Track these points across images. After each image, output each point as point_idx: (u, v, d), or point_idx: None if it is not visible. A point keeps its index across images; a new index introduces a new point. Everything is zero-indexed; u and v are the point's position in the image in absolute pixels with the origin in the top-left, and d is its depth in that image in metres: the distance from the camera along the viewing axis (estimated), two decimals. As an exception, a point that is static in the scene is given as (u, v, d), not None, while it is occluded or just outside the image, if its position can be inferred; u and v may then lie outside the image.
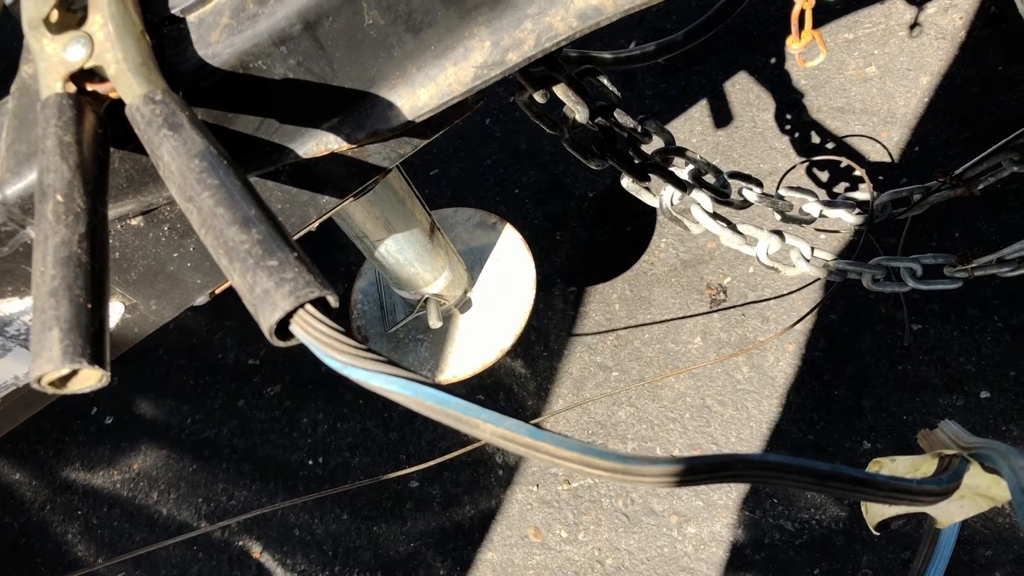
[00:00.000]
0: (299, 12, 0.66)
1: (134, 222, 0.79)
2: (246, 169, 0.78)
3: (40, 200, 0.54)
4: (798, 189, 1.63)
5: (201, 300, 0.92)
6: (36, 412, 1.03)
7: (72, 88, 0.60)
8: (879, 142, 2.18)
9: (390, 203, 1.39)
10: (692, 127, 2.39)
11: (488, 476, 2.05)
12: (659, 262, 2.21)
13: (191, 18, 0.68)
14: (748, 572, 1.80)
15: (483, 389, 2.16)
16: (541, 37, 0.71)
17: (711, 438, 1.95)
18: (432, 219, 1.56)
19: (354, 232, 1.45)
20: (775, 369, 1.99)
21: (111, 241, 0.80)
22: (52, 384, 0.49)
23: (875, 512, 0.70)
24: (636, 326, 2.14)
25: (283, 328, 0.48)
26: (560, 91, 1.05)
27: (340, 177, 0.86)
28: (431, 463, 1.64)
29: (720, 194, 1.48)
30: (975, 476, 0.59)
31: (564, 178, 2.41)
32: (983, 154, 1.59)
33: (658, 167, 1.36)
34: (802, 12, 0.90)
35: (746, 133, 2.32)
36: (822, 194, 2.12)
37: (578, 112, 1.10)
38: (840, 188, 2.14)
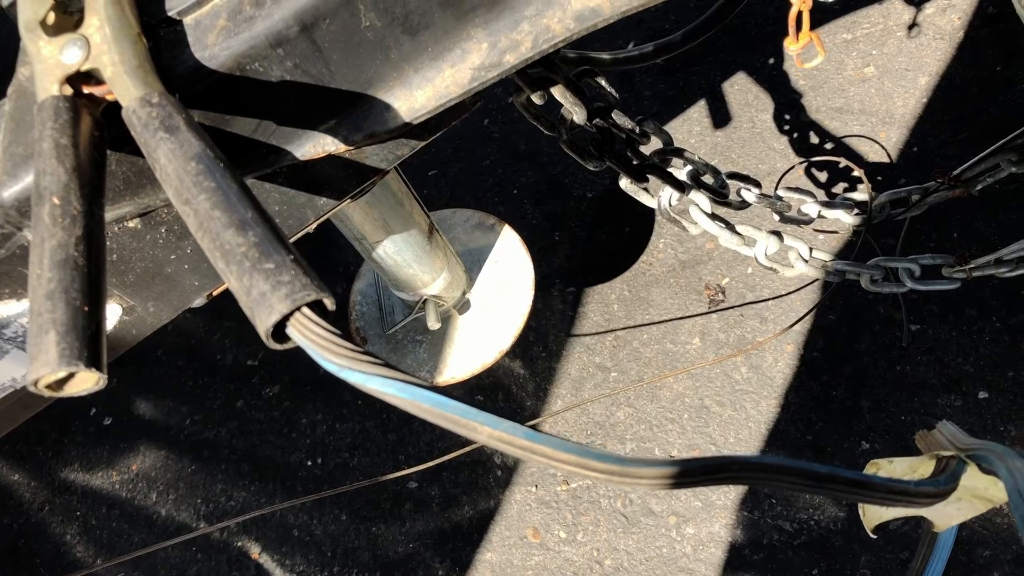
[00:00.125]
0: (296, 14, 0.66)
1: (131, 224, 0.79)
2: (243, 171, 0.78)
3: (37, 203, 0.54)
4: (796, 190, 1.63)
5: (199, 302, 0.92)
6: (34, 414, 1.03)
7: (68, 90, 0.60)
8: (877, 142, 2.19)
9: (388, 205, 1.39)
10: (690, 128, 2.39)
11: (487, 477, 2.05)
12: (657, 263, 2.21)
13: (188, 20, 0.68)
14: (747, 572, 1.80)
15: (482, 390, 2.16)
16: (538, 39, 0.71)
17: (710, 438, 1.95)
18: (431, 220, 1.55)
19: (352, 234, 1.45)
20: (773, 370, 1.99)
21: (108, 243, 0.80)
22: (49, 387, 0.49)
23: (873, 515, 0.70)
24: (634, 327, 2.14)
25: (280, 331, 0.48)
26: (558, 92, 1.05)
27: (337, 179, 0.86)
28: (430, 464, 1.64)
29: (718, 195, 1.48)
30: (972, 478, 0.59)
31: (562, 179, 2.41)
32: (981, 155, 1.59)
33: (656, 168, 1.36)
34: (800, 13, 0.90)
35: (744, 134, 2.32)
36: (820, 195, 2.12)
37: (576, 113, 1.10)
38: (838, 188, 2.14)
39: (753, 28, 2.47)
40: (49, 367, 0.47)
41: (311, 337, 0.47)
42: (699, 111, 2.41)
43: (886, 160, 2.16)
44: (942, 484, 0.57)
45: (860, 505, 0.70)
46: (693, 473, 0.47)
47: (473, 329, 1.80)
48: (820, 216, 1.65)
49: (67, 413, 2.44)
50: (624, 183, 1.35)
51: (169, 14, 0.67)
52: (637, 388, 2.05)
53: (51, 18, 0.62)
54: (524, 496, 2.01)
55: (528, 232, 2.18)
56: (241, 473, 2.23)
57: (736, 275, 2.13)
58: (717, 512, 1.87)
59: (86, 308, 0.49)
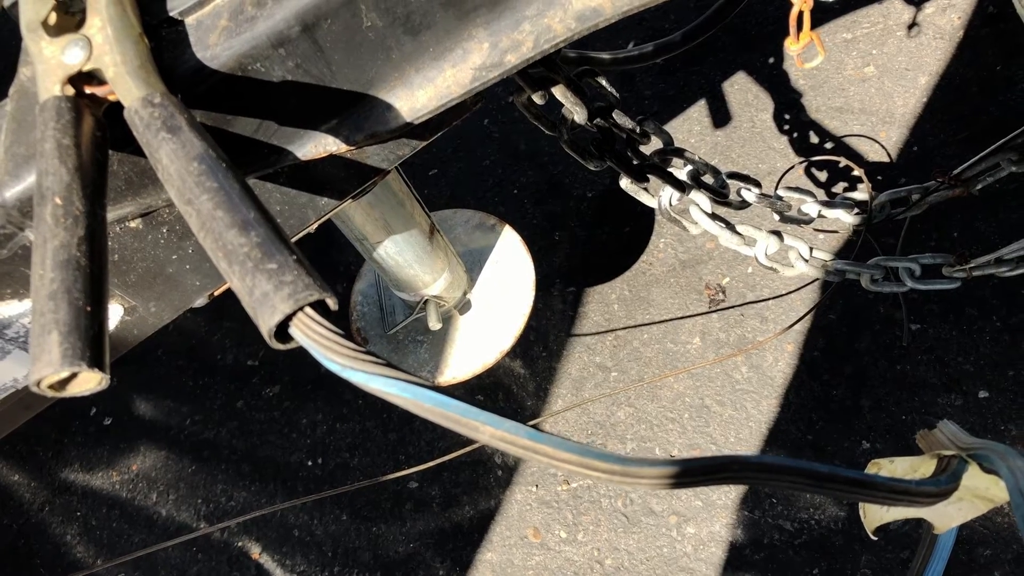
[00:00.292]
0: (297, 14, 0.66)
1: (133, 224, 0.79)
2: (245, 171, 0.78)
3: (39, 203, 0.54)
4: (797, 189, 1.63)
5: (200, 302, 0.92)
6: (35, 414, 1.03)
7: (70, 91, 0.60)
8: (877, 142, 2.19)
9: (389, 205, 1.39)
10: (690, 127, 2.39)
11: (487, 477, 2.06)
12: (658, 262, 2.21)
13: (189, 20, 0.68)
14: (747, 572, 1.80)
15: (482, 390, 2.16)
16: (540, 39, 0.71)
17: (710, 438, 1.95)
18: (431, 221, 1.56)
19: (354, 234, 1.45)
20: (774, 369, 1.99)
21: (110, 243, 0.80)
22: (51, 387, 0.49)
23: (874, 516, 0.70)
24: (635, 326, 2.14)
25: (282, 331, 0.48)
26: (559, 92, 1.05)
27: (339, 179, 0.86)
28: (430, 464, 1.64)
29: (719, 194, 1.48)
30: (974, 477, 0.59)
31: (563, 178, 2.42)
32: (981, 154, 1.59)
33: (656, 168, 1.36)
34: (800, 13, 0.90)
35: (744, 133, 2.32)
36: (821, 194, 2.12)
37: (577, 113, 1.10)
38: (839, 188, 2.15)
39: (753, 28, 2.47)
40: (52, 367, 0.47)
41: (314, 337, 0.47)
42: (699, 111, 2.41)
43: (886, 159, 2.16)
44: (943, 484, 0.57)
45: (861, 506, 0.70)
46: (694, 473, 0.47)
47: (474, 329, 1.80)
48: (820, 216, 1.65)
49: (67, 413, 2.44)
50: (624, 183, 1.35)
51: (171, 14, 0.67)
52: (637, 388, 2.05)
53: (53, 18, 0.63)
54: (525, 496, 2.01)
55: (528, 232, 2.18)
56: (241, 473, 2.23)
57: (736, 275, 2.13)
58: (718, 512, 1.87)
59: (88, 308, 0.49)
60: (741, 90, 2.40)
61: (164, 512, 2.23)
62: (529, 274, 1.82)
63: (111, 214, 0.74)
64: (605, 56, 1.24)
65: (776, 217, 1.65)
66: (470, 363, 1.77)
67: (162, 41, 0.68)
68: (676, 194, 1.43)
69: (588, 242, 2.30)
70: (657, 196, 1.46)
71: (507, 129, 2.56)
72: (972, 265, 1.54)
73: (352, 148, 0.77)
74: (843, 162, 2.12)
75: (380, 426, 2.19)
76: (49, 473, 2.37)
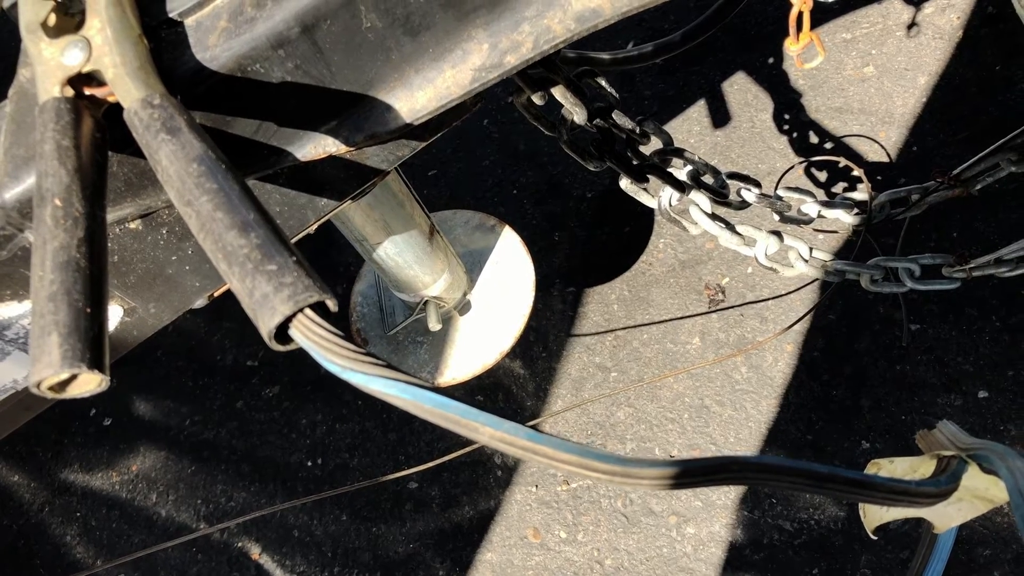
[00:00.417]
0: (297, 15, 0.66)
1: (133, 225, 0.79)
2: (244, 172, 0.78)
3: (38, 204, 0.54)
4: (796, 189, 1.63)
5: (200, 303, 0.92)
6: (35, 415, 1.03)
7: (70, 92, 0.60)
8: (877, 142, 2.19)
9: (389, 206, 1.39)
10: (690, 128, 2.39)
11: (487, 477, 2.06)
12: (657, 263, 2.21)
13: (189, 22, 0.68)
14: (747, 572, 1.80)
15: (482, 390, 2.16)
16: (539, 40, 0.71)
17: (710, 438, 1.95)
18: (431, 221, 1.56)
19: (353, 235, 1.45)
20: (773, 369, 1.99)
21: (110, 245, 0.80)
22: (51, 389, 0.49)
23: (873, 516, 0.70)
24: (635, 327, 2.14)
25: (282, 332, 0.48)
26: (558, 93, 1.05)
27: (338, 180, 0.86)
28: (430, 464, 1.64)
29: (718, 195, 1.48)
30: (973, 477, 0.59)
31: (562, 179, 2.42)
32: (981, 154, 1.59)
33: (656, 168, 1.36)
34: (800, 14, 0.90)
35: (744, 133, 2.32)
36: (820, 194, 2.12)
37: (576, 113, 1.10)
38: (838, 188, 2.15)
39: (753, 28, 2.47)
40: (52, 369, 0.47)
41: (313, 338, 0.47)
42: (699, 111, 2.41)
43: (886, 160, 2.16)
44: (943, 484, 0.57)
45: (861, 506, 0.70)
46: (694, 473, 0.47)
47: (474, 330, 1.80)
48: (820, 216, 1.65)
49: (67, 414, 2.44)
50: (624, 183, 1.35)
51: (170, 15, 0.67)
52: (637, 388, 2.05)
53: (52, 20, 0.63)
54: (524, 496, 2.01)
55: (528, 232, 2.18)
56: (241, 474, 2.23)
57: (736, 275, 2.13)
58: (717, 512, 1.87)
59: (88, 310, 0.49)
60: (741, 90, 2.40)
61: (164, 512, 2.23)
62: (529, 275, 1.82)
63: (111, 215, 0.74)
64: (605, 56, 1.24)
65: (776, 217, 1.65)
66: (470, 364, 1.77)
67: (161, 42, 0.68)
68: (676, 194, 1.43)
69: (588, 242, 2.30)
70: (657, 196, 1.46)
71: (507, 129, 2.56)
72: (972, 265, 1.54)
73: (352, 149, 0.77)
74: (843, 162, 2.12)
75: (380, 427, 2.19)
76: (49, 474, 2.37)
